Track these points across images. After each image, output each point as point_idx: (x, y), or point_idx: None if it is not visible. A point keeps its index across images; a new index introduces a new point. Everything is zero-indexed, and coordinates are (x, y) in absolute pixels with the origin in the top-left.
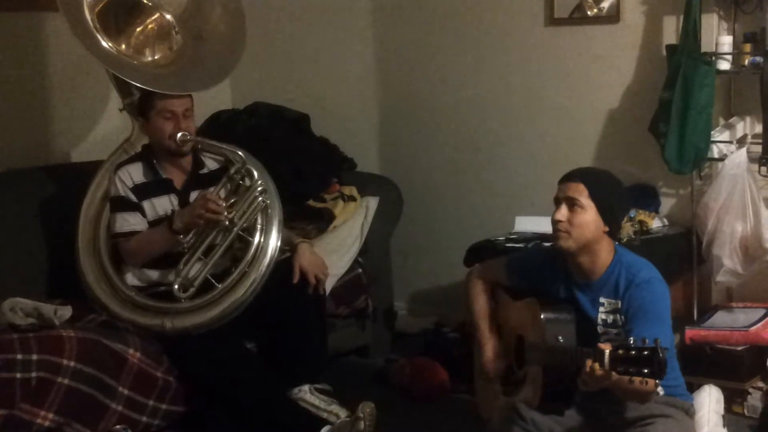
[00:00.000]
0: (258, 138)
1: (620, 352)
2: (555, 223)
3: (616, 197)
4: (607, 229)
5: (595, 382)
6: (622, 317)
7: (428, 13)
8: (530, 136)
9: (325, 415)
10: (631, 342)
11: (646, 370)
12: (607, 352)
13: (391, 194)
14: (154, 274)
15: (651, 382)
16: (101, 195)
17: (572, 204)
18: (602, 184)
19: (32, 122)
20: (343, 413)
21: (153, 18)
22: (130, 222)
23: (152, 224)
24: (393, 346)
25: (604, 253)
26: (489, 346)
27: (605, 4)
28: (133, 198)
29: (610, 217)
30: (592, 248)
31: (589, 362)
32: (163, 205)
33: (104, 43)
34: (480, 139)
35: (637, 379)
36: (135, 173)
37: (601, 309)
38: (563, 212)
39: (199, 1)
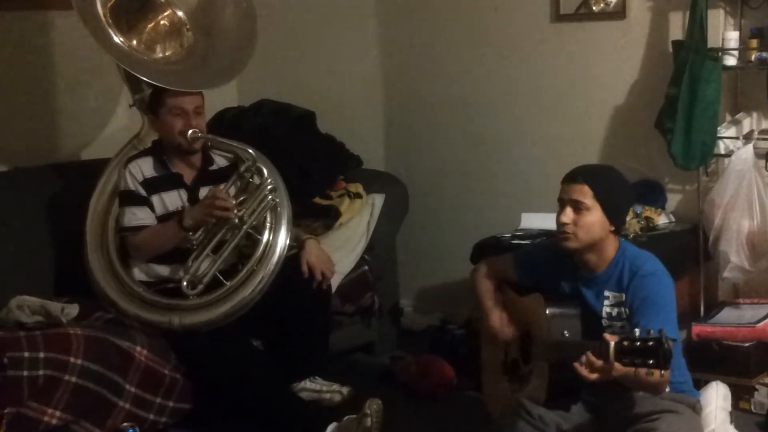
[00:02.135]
0: (264, 135)
1: (625, 343)
2: (561, 225)
3: (620, 195)
4: (612, 228)
5: (597, 373)
6: (627, 310)
7: (434, 10)
8: (536, 132)
9: (328, 395)
10: (636, 333)
11: (651, 361)
12: (612, 344)
13: (397, 191)
14: (161, 270)
15: (657, 373)
16: (110, 191)
17: (577, 206)
18: (606, 183)
19: (40, 120)
20: (345, 389)
21: (165, 14)
22: (138, 216)
23: (161, 219)
24: (399, 344)
25: (609, 248)
26: (495, 314)
27: (612, 0)
28: (143, 192)
29: (616, 215)
30: (597, 246)
31: (590, 354)
32: (172, 200)
33: (116, 38)
34: (486, 136)
35: (642, 371)
36: (145, 167)
37: (606, 302)
38: (569, 214)
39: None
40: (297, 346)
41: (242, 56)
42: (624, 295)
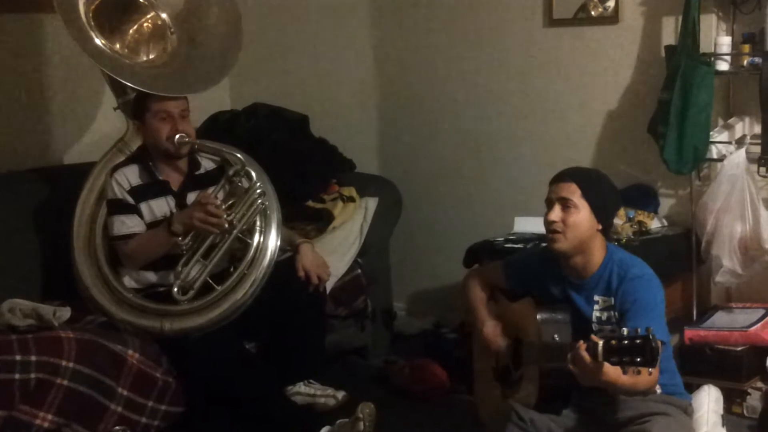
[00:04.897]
0: (257, 139)
1: (613, 342)
2: (549, 223)
3: (607, 195)
4: (600, 227)
5: (586, 371)
6: (616, 314)
7: (427, 14)
8: (529, 136)
9: (323, 400)
10: (624, 332)
11: (638, 359)
12: (600, 343)
13: (390, 195)
14: (151, 276)
15: (645, 371)
16: (96, 195)
17: (565, 204)
18: (593, 182)
19: (29, 124)
20: (339, 394)
21: (148, 17)
22: (128, 224)
23: (149, 226)
24: (392, 347)
25: (597, 251)
26: (488, 324)
27: (610, 4)
28: (131, 200)
29: (603, 214)
30: (585, 247)
31: (582, 345)
32: (160, 207)
33: (98, 41)
34: (479, 140)
35: (630, 370)
36: (131, 175)
37: (596, 307)
38: (557, 213)
39: (195, 2)
40: (292, 350)
41: (227, 60)
42: (613, 299)
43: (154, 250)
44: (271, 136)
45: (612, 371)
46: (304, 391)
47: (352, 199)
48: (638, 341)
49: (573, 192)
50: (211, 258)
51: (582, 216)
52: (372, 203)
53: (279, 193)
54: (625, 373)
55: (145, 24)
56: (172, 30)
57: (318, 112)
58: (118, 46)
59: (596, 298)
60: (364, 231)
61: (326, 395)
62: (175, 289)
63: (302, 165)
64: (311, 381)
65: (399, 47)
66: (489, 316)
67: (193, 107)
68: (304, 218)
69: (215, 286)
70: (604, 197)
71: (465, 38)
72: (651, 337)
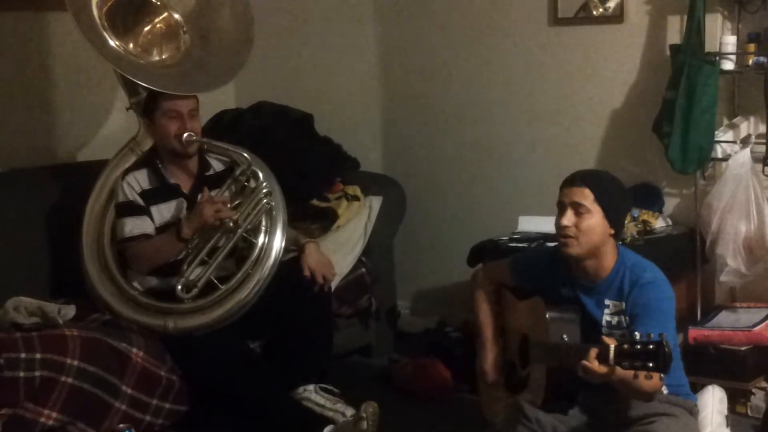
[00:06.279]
0: (262, 138)
1: (625, 346)
2: (562, 228)
3: (619, 199)
4: (612, 231)
5: (596, 376)
6: (627, 318)
7: (432, 12)
8: (533, 135)
9: (331, 414)
10: (637, 337)
11: (651, 364)
12: (612, 347)
13: (395, 194)
14: (153, 281)
15: (656, 376)
16: (106, 194)
17: (578, 209)
18: (606, 187)
19: (37, 122)
20: (349, 411)
21: (161, 17)
22: (139, 226)
23: (159, 230)
24: (396, 346)
25: (609, 255)
26: (490, 355)
27: (611, 4)
28: (141, 202)
29: (616, 219)
30: (598, 252)
31: (593, 351)
32: (170, 210)
33: (111, 42)
34: (483, 139)
35: (641, 374)
36: (142, 179)
37: (606, 311)
38: (570, 217)
39: (207, 2)
40: (298, 350)
41: (239, 59)
42: (624, 304)
43: (163, 253)
44: (276, 135)
45: (622, 375)
46: (314, 398)
47: (356, 198)
48: (651, 346)
49: (586, 197)
50: (216, 257)
51: (595, 221)
52: (376, 202)
53: (283, 191)
54: (636, 377)
55: (158, 24)
56: (185, 29)
57: (323, 110)
58: (131, 46)
59: (607, 302)
60: (369, 230)
61: (335, 410)
62: (179, 287)
63: (306, 163)
64: (325, 390)
65: (403, 46)
66: (494, 344)
67: (199, 106)
68: (308, 217)
69: (219, 285)
70: (617, 202)
71: (469, 36)
72: (664, 342)
